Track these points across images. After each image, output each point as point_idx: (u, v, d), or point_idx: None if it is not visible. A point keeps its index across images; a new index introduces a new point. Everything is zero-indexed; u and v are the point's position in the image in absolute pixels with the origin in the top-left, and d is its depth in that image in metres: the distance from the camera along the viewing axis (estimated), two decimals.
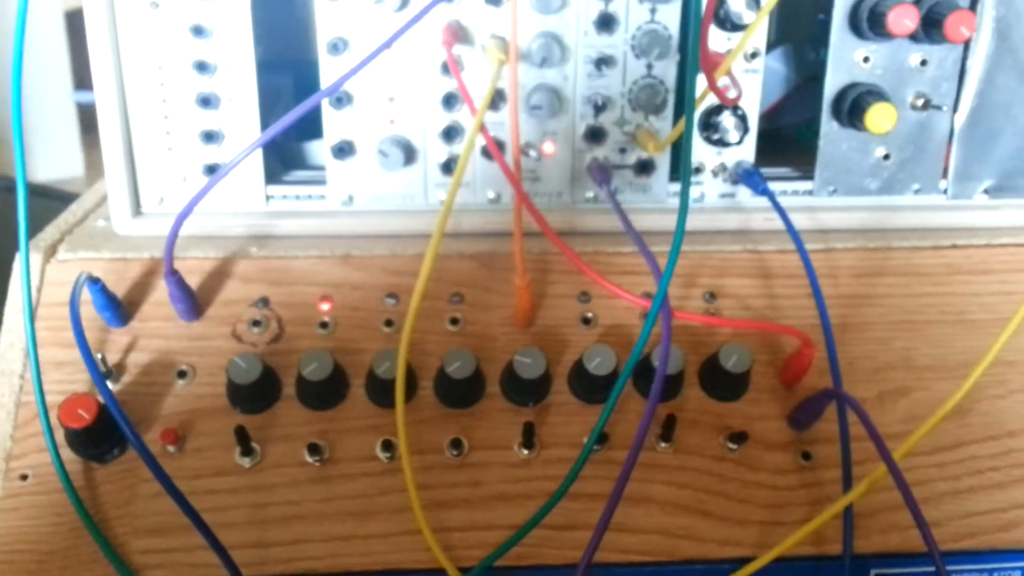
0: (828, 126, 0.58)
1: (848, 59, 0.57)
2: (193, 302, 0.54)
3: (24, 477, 0.50)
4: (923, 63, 0.57)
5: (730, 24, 0.55)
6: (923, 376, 0.54)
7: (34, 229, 0.62)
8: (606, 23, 0.56)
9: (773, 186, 0.59)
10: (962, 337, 0.56)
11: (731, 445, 0.52)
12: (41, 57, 3.28)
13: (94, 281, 0.50)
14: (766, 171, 0.60)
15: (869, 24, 0.55)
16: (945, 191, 0.60)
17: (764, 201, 0.58)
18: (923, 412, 0.52)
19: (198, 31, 0.54)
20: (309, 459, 0.50)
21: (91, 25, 0.53)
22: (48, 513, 0.49)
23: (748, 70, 0.57)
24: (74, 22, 3.30)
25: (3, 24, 3.17)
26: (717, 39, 0.56)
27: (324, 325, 0.55)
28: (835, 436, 0.51)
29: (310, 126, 0.59)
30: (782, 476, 0.51)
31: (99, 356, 0.51)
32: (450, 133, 0.58)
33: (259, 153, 0.58)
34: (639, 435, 0.45)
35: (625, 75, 0.57)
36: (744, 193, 0.60)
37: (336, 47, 0.55)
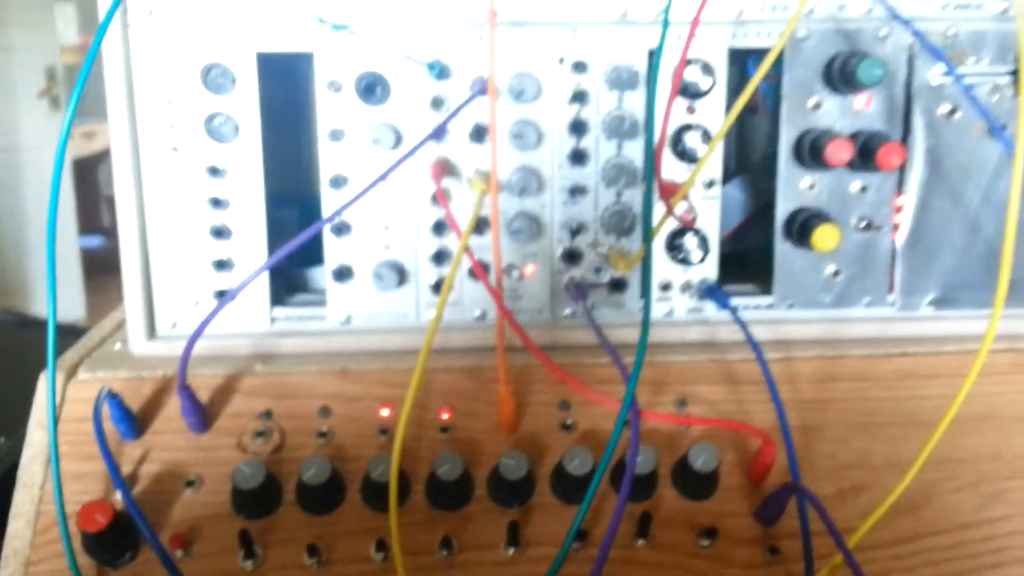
0: (782, 246, 0.64)
1: (795, 187, 0.63)
2: (202, 415, 0.58)
3: None
4: (863, 189, 0.63)
5: (688, 157, 0.62)
6: (879, 474, 0.58)
7: (37, 355, 0.66)
8: (578, 157, 0.62)
9: (737, 301, 0.65)
10: (914, 437, 0.60)
11: (703, 541, 0.55)
12: (46, 202, 3.40)
13: (113, 396, 0.55)
14: (731, 287, 0.66)
15: (811, 156, 0.61)
16: (893, 304, 0.66)
17: (729, 314, 0.63)
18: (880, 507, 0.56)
19: (214, 171, 0.61)
20: (308, 561, 0.54)
21: (118, 166, 0.60)
22: None
23: (706, 197, 0.63)
24: (80, 170, 3.45)
25: (17, 174, 3.31)
26: (680, 170, 0.63)
27: (323, 434, 0.59)
28: (799, 530, 0.55)
29: (312, 254, 0.65)
30: (751, 570, 0.54)
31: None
32: (439, 257, 0.64)
33: (266, 278, 0.63)
34: (610, 531, 0.48)
35: (597, 202, 0.63)
36: (710, 307, 0.65)
37: (337, 182, 0.62)
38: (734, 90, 0.63)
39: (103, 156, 4.46)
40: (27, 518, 0.55)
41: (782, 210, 0.64)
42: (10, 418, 0.79)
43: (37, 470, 0.57)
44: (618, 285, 0.65)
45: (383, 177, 0.57)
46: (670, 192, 0.57)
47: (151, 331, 0.63)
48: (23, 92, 3.38)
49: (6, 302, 3.21)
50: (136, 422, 0.58)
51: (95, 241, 4.44)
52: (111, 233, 4.50)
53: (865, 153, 0.61)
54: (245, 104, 0.60)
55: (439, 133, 0.61)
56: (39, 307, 3.40)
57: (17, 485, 0.56)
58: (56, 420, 0.55)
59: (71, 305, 3.33)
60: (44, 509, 0.55)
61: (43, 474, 0.56)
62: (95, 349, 0.65)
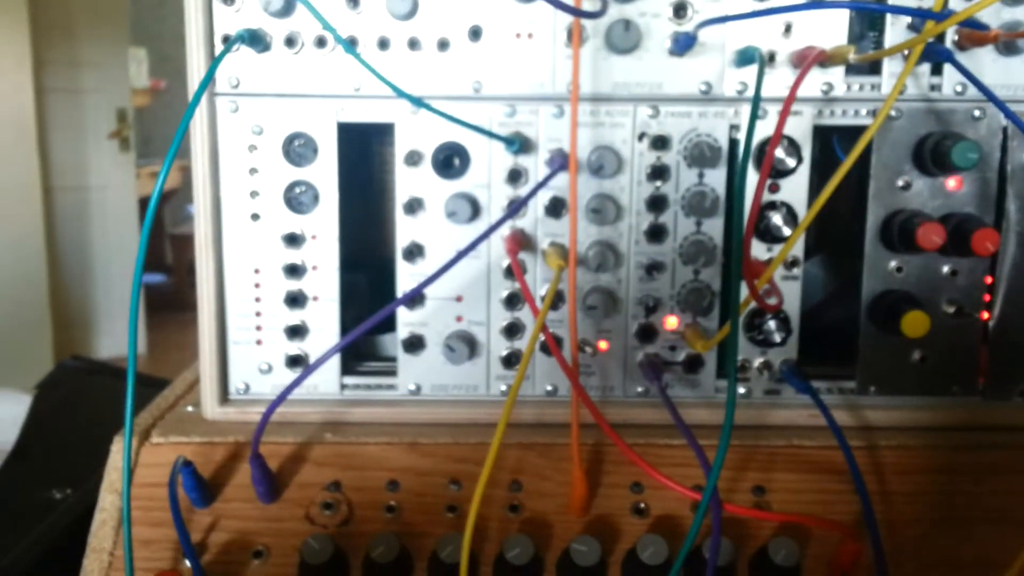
0: (866, 329, 0.62)
1: (881, 269, 0.61)
2: (272, 485, 0.58)
3: None
4: (954, 273, 0.61)
5: (770, 236, 0.60)
6: (969, 574, 0.55)
7: (104, 404, 0.66)
8: (656, 234, 0.61)
9: (817, 384, 0.63)
10: (1007, 536, 0.57)
11: None
12: (114, 241, 3.51)
13: (187, 464, 0.55)
14: (810, 369, 0.63)
15: (899, 239, 0.60)
16: (983, 392, 0.63)
17: (809, 398, 0.61)
18: None
19: (291, 240, 0.61)
20: None
21: (200, 233, 0.60)
22: None
23: (788, 277, 0.62)
24: (146, 209, 3.55)
25: (85, 212, 3.40)
26: (758, 249, 0.61)
27: (391, 509, 0.58)
28: None
29: (383, 320, 0.65)
30: None
31: None
32: (512, 330, 0.63)
33: None
34: None
35: (674, 279, 0.62)
36: (789, 390, 0.64)
37: (412, 253, 0.62)
38: (816, 167, 0.62)
39: (168, 196, 4.58)
40: None
41: (867, 292, 0.62)
42: (79, 469, 0.79)
43: (107, 535, 0.56)
44: (694, 364, 0.63)
45: (463, 255, 0.56)
46: (753, 272, 0.55)
47: (223, 395, 0.63)
48: (93, 133, 3.50)
49: (69, 336, 3.29)
50: (207, 490, 0.58)
51: (158, 278, 4.54)
52: (173, 271, 4.60)
53: (957, 237, 0.58)
54: (325, 174, 0.61)
55: (518, 209, 0.61)
56: (102, 342, 3.48)
57: (87, 550, 0.56)
58: (129, 486, 0.55)
59: None
60: (113, 575, 0.55)
61: (113, 540, 0.56)
62: (168, 411, 0.65)
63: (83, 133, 3.50)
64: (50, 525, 0.73)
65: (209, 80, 0.56)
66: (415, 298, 0.62)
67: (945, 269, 0.61)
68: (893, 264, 0.61)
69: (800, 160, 0.60)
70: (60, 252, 3.37)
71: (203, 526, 0.57)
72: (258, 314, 0.62)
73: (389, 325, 0.64)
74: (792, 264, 0.62)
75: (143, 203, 3.60)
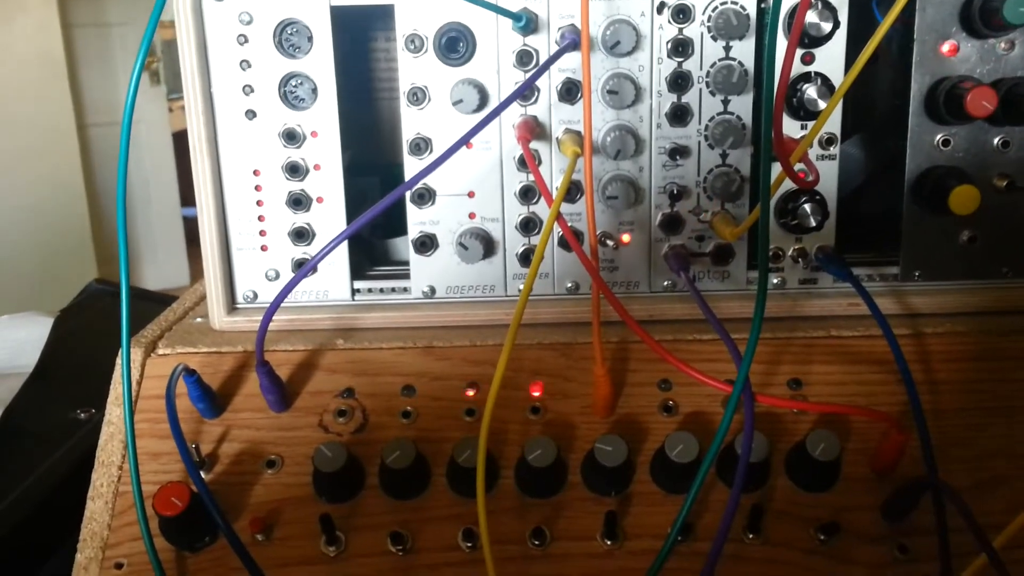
0: (910, 209, 0.58)
1: (927, 143, 0.56)
2: (282, 393, 0.55)
3: (119, 566, 0.52)
4: (1005, 144, 0.56)
5: (804, 112, 0.56)
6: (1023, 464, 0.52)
7: (137, 331, 0.64)
8: (679, 115, 0.57)
9: (857, 271, 0.59)
10: None
11: (822, 537, 0.50)
12: (151, 175, 3.51)
13: (190, 373, 0.53)
14: (849, 256, 0.59)
15: (946, 108, 0.54)
16: None
17: (847, 286, 0.57)
18: None
19: (290, 137, 0.58)
20: (392, 548, 0.51)
21: (194, 134, 0.57)
22: None
23: (824, 156, 0.57)
24: (181, 142, 3.54)
25: (118, 146, 3.40)
26: (792, 128, 0.57)
27: (407, 414, 0.56)
28: (933, 527, 0.49)
29: (394, 224, 0.62)
30: (878, 570, 0.49)
31: (193, 446, 0.53)
32: (528, 225, 0.59)
33: (346, 249, 0.60)
34: (722, 527, 0.44)
35: (700, 164, 0.58)
36: (826, 278, 0.60)
37: (419, 147, 0.58)
38: (854, 36, 0.56)
39: None
40: (105, 499, 0.53)
41: (912, 169, 0.57)
42: (102, 389, 0.78)
43: (115, 449, 0.55)
44: (723, 254, 0.59)
45: (465, 140, 0.52)
46: (786, 150, 0.51)
47: (231, 304, 0.61)
48: (123, 67, 3.47)
49: (114, 270, 3.32)
50: (216, 400, 0.56)
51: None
52: None
53: (1009, 102, 0.53)
54: (322, 64, 0.57)
55: (526, 91, 0.56)
56: (146, 274, 3.52)
57: (95, 464, 0.55)
58: (133, 397, 0.53)
59: (176, 272, 3.44)
60: (123, 489, 0.54)
61: (121, 453, 0.55)
62: (176, 323, 0.63)
63: (113, 68, 3.46)
64: (73, 445, 0.73)
65: None
66: (425, 195, 0.59)
67: (996, 140, 0.56)
68: (939, 137, 0.56)
69: (836, 25, 0.55)
70: (99, 189, 3.38)
71: (214, 436, 0.55)
72: (261, 218, 0.59)
73: (400, 229, 0.61)
74: (828, 142, 0.57)
75: (178, 137, 3.58)
